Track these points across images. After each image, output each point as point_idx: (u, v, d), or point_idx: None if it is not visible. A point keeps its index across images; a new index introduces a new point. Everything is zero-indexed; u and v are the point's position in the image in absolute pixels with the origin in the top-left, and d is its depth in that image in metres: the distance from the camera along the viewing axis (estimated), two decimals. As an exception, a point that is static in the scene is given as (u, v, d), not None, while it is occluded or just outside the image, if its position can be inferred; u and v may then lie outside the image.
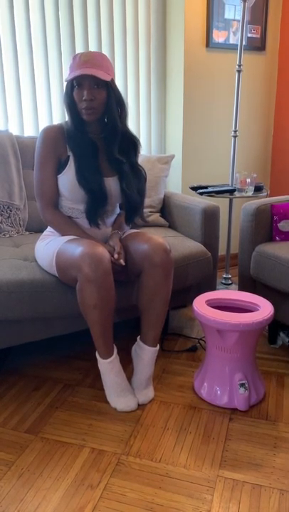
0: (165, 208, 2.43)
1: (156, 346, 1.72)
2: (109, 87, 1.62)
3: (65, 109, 1.69)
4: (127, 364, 1.82)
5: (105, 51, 2.55)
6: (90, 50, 2.49)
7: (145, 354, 1.71)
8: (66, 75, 1.63)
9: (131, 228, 1.91)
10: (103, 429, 1.56)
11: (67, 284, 1.67)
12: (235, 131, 2.58)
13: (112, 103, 1.64)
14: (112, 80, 1.64)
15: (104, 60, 1.61)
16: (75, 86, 1.61)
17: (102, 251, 1.54)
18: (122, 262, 1.63)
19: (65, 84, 1.66)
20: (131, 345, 1.80)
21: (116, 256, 1.63)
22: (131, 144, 1.76)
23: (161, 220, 2.38)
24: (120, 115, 1.69)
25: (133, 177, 1.77)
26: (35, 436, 1.53)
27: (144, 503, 1.26)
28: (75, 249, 1.56)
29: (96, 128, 1.71)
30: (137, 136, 1.79)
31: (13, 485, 1.32)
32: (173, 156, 2.52)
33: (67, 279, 1.63)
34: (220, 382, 1.67)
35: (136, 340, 1.76)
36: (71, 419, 1.61)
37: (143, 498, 1.28)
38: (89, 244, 1.56)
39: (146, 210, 2.29)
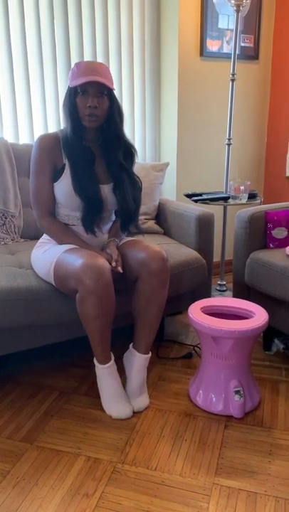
0: (160, 215, 2.44)
1: (148, 353, 1.72)
2: (112, 96, 1.66)
3: (65, 115, 1.69)
4: (122, 373, 1.81)
5: (100, 60, 2.57)
6: (84, 58, 2.51)
7: (136, 361, 1.71)
8: (68, 81, 1.65)
9: (128, 235, 1.91)
10: (99, 437, 1.56)
11: (64, 292, 1.67)
12: (229, 139, 2.61)
13: (115, 112, 1.68)
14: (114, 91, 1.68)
15: (107, 71, 1.65)
16: (79, 92, 1.62)
17: (102, 262, 1.55)
18: (119, 269, 1.63)
19: (61, 90, 1.67)
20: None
21: (114, 264, 1.63)
22: (128, 153, 1.79)
23: (156, 227, 2.39)
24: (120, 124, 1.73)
25: (129, 185, 1.78)
26: (31, 444, 1.52)
27: (140, 511, 1.26)
28: (75, 260, 1.56)
29: (93, 135, 1.73)
30: (132, 143, 1.81)
31: (8, 494, 1.32)
32: (167, 164, 2.54)
33: (65, 289, 1.63)
34: (215, 390, 1.67)
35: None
36: (66, 427, 1.61)
37: (139, 506, 1.27)
38: (89, 255, 1.56)
39: (141, 217, 2.30)
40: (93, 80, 1.57)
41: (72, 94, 1.64)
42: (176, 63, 2.69)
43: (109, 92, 1.64)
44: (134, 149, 1.81)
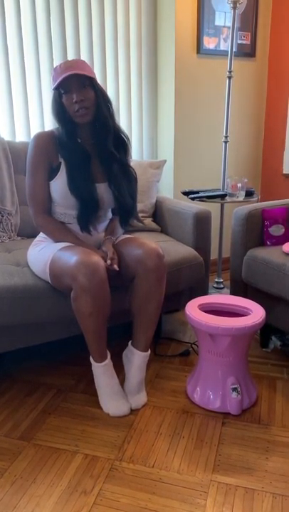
0: (157, 213, 2.44)
1: (147, 351, 1.72)
2: (95, 85, 1.64)
3: (55, 119, 1.69)
4: (119, 370, 1.81)
5: (97, 57, 2.56)
6: (81, 56, 2.50)
7: (136, 359, 1.71)
8: (51, 86, 1.65)
9: (125, 233, 1.91)
10: (96, 435, 1.56)
11: (60, 290, 1.67)
12: (226, 137, 2.60)
13: (101, 100, 1.67)
14: (96, 79, 1.66)
15: (85, 64, 1.64)
16: (63, 93, 1.62)
17: (97, 260, 1.54)
18: (115, 267, 1.63)
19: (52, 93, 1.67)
20: (124, 351, 1.80)
21: (109, 261, 1.63)
22: (121, 143, 1.78)
23: (153, 225, 2.39)
24: (109, 112, 1.72)
25: (124, 179, 1.77)
26: (28, 442, 1.52)
27: (137, 508, 1.26)
28: (70, 257, 1.56)
29: (87, 134, 1.72)
30: (124, 130, 1.80)
31: (6, 492, 1.32)
32: (164, 161, 2.54)
33: (61, 286, 1.63)
34: (212, 387, 1.68)
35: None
36: (64, 425, 1.61)
37: (137, 503, 1.28)
38: (84, 252, 1.56)
39: (138, 215, 2.30)
40: (70, 73, 1.57)
41: (57, 96, 1.64)
42: (172, 61, 2.68)
43: (91, 82, 1.62)
44: (127, 139, 1.79)
